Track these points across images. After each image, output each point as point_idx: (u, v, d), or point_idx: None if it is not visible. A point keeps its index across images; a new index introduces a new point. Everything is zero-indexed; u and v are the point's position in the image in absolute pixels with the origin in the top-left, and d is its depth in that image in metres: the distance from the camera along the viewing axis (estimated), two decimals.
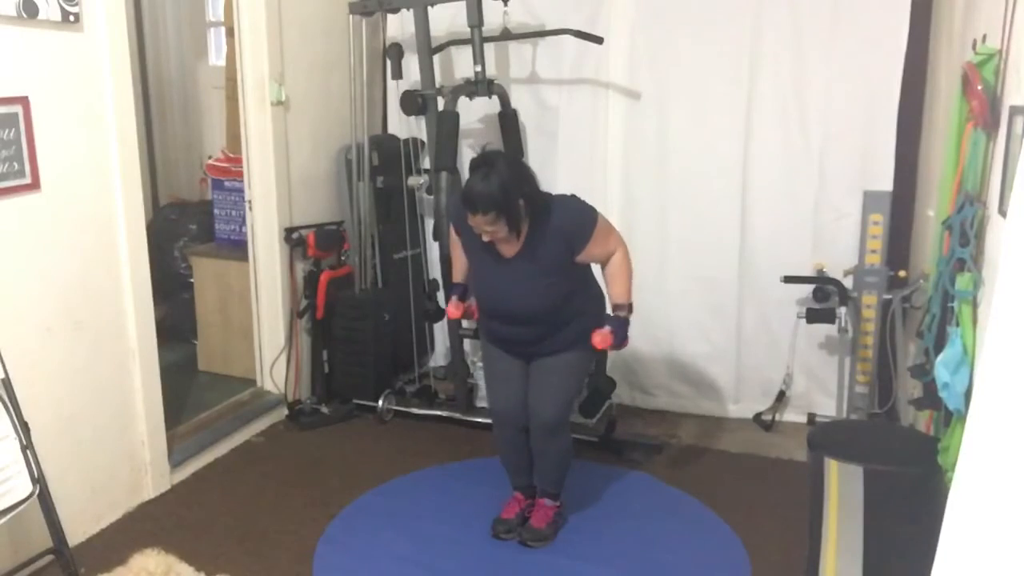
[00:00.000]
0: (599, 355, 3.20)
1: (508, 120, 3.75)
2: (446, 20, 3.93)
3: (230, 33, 3.98)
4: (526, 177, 2.63)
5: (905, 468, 2.27)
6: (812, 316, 3.64)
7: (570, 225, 2.66)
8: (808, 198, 3.71)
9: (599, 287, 2.90)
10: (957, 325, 2.17)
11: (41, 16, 2.55)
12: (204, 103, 5.27)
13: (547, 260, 2.66)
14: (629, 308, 2.76)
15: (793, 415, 3.92)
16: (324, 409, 3.97)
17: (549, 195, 2.73)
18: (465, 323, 3.99)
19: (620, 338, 2.74)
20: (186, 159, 5.28)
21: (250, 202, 3.81)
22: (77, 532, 2.85)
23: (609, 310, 2.82)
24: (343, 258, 4.10)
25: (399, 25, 4.16)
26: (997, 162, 2.17)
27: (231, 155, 4.24)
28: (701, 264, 3.89)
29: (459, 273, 2.99)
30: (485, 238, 2.62)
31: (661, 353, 4.06)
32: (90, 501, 2.93)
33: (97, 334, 2.91)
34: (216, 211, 4.36)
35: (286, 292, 3.90)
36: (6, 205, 2.54)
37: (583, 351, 2.80)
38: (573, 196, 2.75)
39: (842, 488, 2.27)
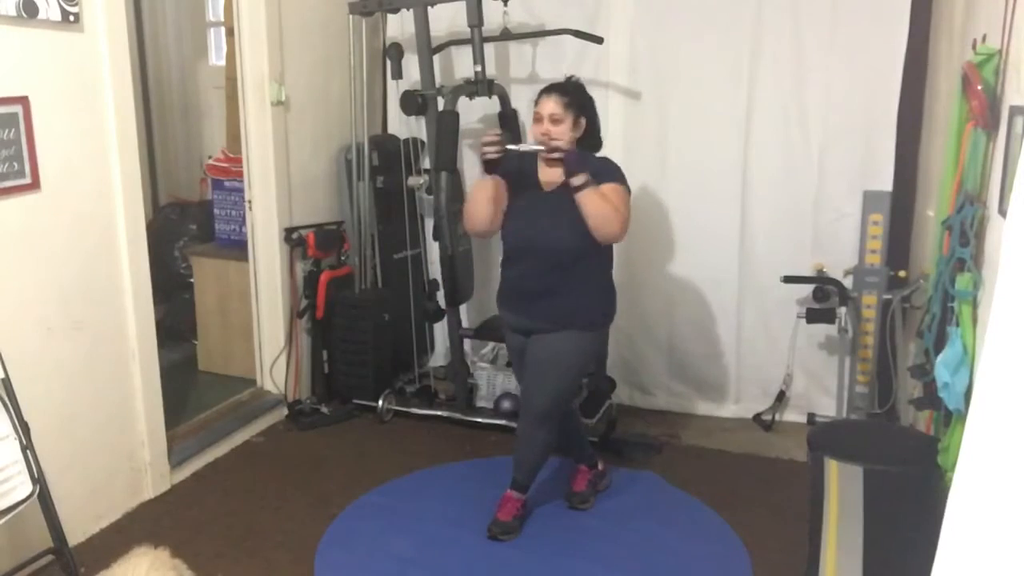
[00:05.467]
0: (599, 353, 3.21)
1: (508, 120, 3.75)
2: (446, 20, 3.93)
3: (230, 33, 3.98)
4: (596, 112, 2.88)
5: (905, 468, 2.27)
6: (812, 316, 3.64)
7: (601, 166, 2.77)
8: (808, 198, 3.71)
9: (612, 284, 2.93)
10: (957, 325, 2.17)
11: (41, 16, 2.55)
12: (204, 103, 5.27)
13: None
14: (584, 184, 2.61)
15: (793, 415, 3.92)
16: (324, 409, 3.97)
17: (599, 148, 2.91)
18: (465, 323, 3.99)
19: (571, 163, 2.64)
20: (186, 159, 5.28)
21: (250, 202, 3.80)
22: (77, 532, 2.85)
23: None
24: (343, 258, 4.10)
25: (399, 25, 4.16)
26: (997, 162, 2.17)
27: (231, 155, 4.24)
28: (701, 264, 3.90)
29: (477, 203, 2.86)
30: (540, 130, 2.71)
31: (661, 353, 4.06)
32: (90, 501, 2.93)
33: (97, 334, 2.91)
34: (216, 211, 4.35)
35: (286, 292, 3.90)
36: (6, 205, 2.54)
37: (578, 339, 2.80)
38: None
39: (842, 488, 2.27)
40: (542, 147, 2.70)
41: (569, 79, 2.90)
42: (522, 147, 2.79)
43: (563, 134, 2.71)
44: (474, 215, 2.81)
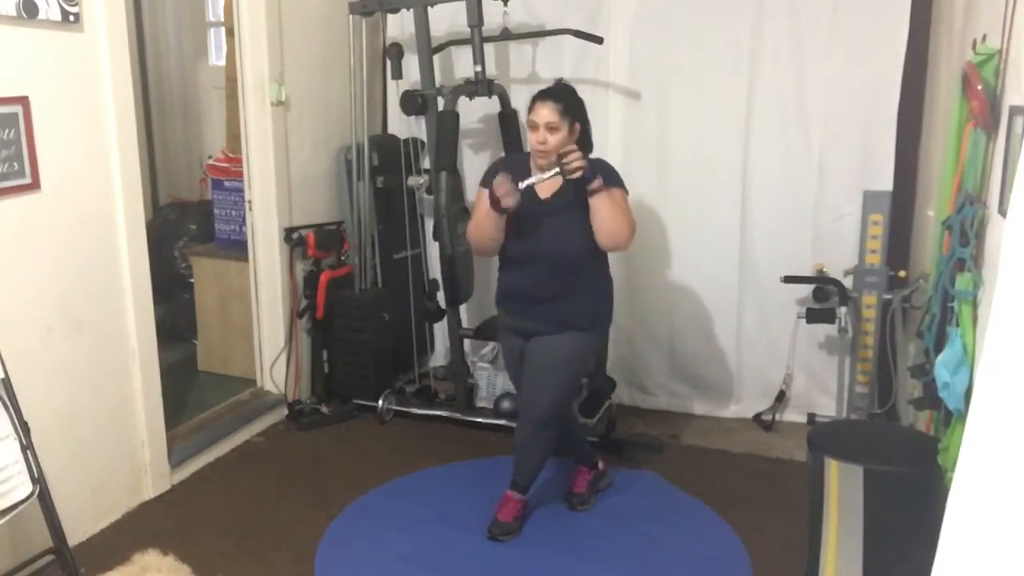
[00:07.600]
0: (598, 352, 3.21)
1: (508, 120, 3.75)
2: (446, 20, 3.93)
3: (230, 33, 3.98)
4: (586, 114, 2.80)
5: (905, 468, 2.27)
6: (812, 316, 3.64)
7: (605, 169, 2.72)
8: (808, 198, 3.71)
9: (611, 284, 2.94)
10: (957, 325, 2.17)
11: (41, 16, 2.55)
12: (204, 103, 5.27)
13: (580, 197, 2.67)
14: (599, 188, 2.62)
15: (793, 415, 3.92)
16: (324, 409, 3.97)
17: (591, 149, 2.85)
18: (465, 323, 3.99)
19: (590, 171, 2.60)
20: (186, 159, 5.27)
21: (250, 202, 3.80)
22: (77, 532, 2.85)
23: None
24: (343, 258, 4.10)
25: (399, 25, 4.16)
26: (997, 162, 2.17)
27: (231, 155, 4.24)
28: (701, 264, 3.90)
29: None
30: (537, 139, 2.67)
31: (661, 353, 4.06)
32: (90, 501, 2.93)
33: (97, 334, 2.91)
34: (216, 211, 4.36)
35: (286, 292, 3.90)
36: (6, 205, 2.54)
37: (580, 340, 2.81)
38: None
39: (842, 488, 2.27)
40: (556, 170, 2.59)
41: (558, 82, 2.83)
42: (537, 179, 2.65)
43: (562, 143, 2.66)
44: (484, 244, 2.81)
